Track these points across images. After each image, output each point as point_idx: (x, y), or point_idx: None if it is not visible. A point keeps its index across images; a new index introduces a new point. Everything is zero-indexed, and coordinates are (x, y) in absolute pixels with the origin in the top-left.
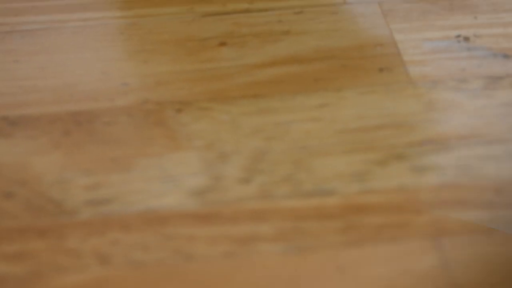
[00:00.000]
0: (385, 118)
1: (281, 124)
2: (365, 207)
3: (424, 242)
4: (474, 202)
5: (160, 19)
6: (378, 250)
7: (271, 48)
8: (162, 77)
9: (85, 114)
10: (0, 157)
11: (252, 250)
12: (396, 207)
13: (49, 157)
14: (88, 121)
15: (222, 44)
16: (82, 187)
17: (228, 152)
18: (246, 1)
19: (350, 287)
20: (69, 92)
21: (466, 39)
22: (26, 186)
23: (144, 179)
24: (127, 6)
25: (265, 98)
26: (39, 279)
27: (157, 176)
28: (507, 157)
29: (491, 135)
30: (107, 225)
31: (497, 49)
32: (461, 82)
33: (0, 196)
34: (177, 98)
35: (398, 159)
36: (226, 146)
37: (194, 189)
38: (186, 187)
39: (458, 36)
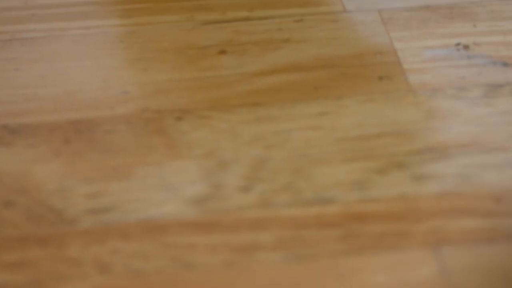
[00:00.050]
0: (385, 126)
1: (281, 132)
2: (365, 215)
3: (424, 251)
4: (474, 210)
5: (160, 27)
6: (378, 259)
7: (271, 56)
8: (162, 85)
9: (85, 123)
10: (0, 165)
11: (252, 258)
12: (396, 216)
13: (49, 165)
14: (88, 130)
15: (222, 52)
16: (82, 195)
17: (228, 161)
18: (246, 9)
19: None
20: (69, 100)
21: (466, 47)
22: (26, 195)
23: (144, 187)
24: (127, 14)
25: (264, 106)
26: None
27: (157, 185)
28: (507, 166)
29: (491, 143)
30: (107, 234)
31: (496, 57)
32: (461, 90)
33: (0, 205)
34: (177, 106)
35: (398, 168)
36: (225, 155)
37: (193, 198)
38: (186, 195)
39: (458, 44)
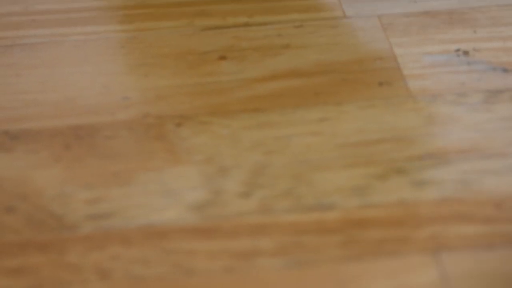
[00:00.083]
0: (385, 132)
1: (281, 138)
2: (365, 221)
3: (424, 257)
4: (474, 216)
5: (161, 32)
6: (378, 265)
7: (271, 62)
8: (163, 91)
9: (86, 128)
10: (1, 171)
11: (252, 264)
12: (396, 222)
13: (50, 171)
14: (89, 135)
15: (222, 58)
16: (82, 201)
17: (228, 166)
18: (246, 15)
19: None
20: (70, 106)
21: (466, 53)
22: (27, 201)
23: (145, 193)
24: (127, 20)
25: (265, 112)
26: None
27: (158, 190)
28: (507, 171)
29: (491, 149)
30: (108, 240)
31: (496, 63)
32: (461, 96)
33: (1, 211)
34: (178, 112)
35: (398, 173)
36: (226, 160)
37: (194, 203)
38: (186, 201)
39: (458, 50)
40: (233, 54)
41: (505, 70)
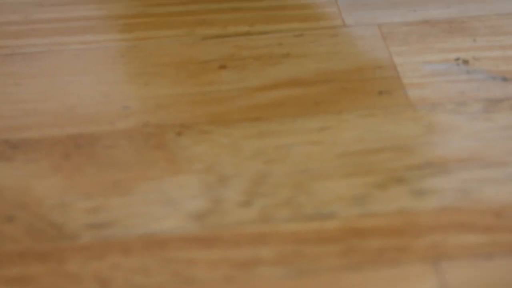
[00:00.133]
0: (385, 141)
1: (281, 147)
2: (365, 230)
3: (424, 266)
4: (474, 225)
5: (161, 41)
6: (378, 274)
7: (272, 71)
8: (163, 100)
9: (86, 137)
10: (1, 180)
11: (252, 273)
12: (396, 231)
13: (50, 180)
14: (89, 144)
15: (223, 67)
16: (82, 210)
17: (229, 175)
18: (247, 24)
19: None
20: (69, 115)
21: (465, 62)
22: (26, 210)
23: (145, 202)
24: (128, 29)
25: (265, 121)
26: None
27: (158, 200)
28: (506, 180)
29: (491, 158)
30: (108, 249)
31: (496, 72)
32: (460, 105)
33: (1, 220)
34: (178, 121)
35: (398, 183)
36: (226, 169)
37: (194, 213)
38: (186, 210)
39: (457, 59)
40: (233, 63)
41: (504, 79)
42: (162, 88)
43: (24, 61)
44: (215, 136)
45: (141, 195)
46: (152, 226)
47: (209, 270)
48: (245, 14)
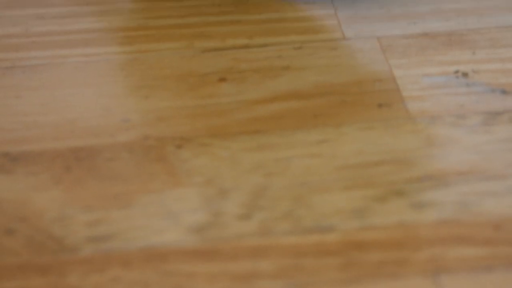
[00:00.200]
0: (384, 154)
1: (281, 160)
2: (365, 243)
3: (424, 279)
4: (474, 238)
5: (161, 54)
6: (378, 287)
7: (271, 83)
8: (163, 113)
9: (86, 150)
10: (1, 193)
11: (252, 287)
12: (395, 244)
13: (50, 193)
14: (89, 157)
15: (222, 79)
16: (83, 223)
17: (228, 188)
18: (246, 37)
19: None
20: (70, 128)
21: (465, 74)
22: (27, 223)
23: (145, 215)
24: (128, 42)
25: (265, 134)
26: None
27: (158, 212)
28: (506, 193)
29: (490, 171)
30: (108, 262)
31: (495, 84)
32: (460, 118)
33: (1, 233)
34: (178, 134)
35: (397, 195)
36: (226, 182)
37: (194, 226)
38: (186, 223)
39: (457, 71)
40: (233, 75)
41: (504, 92)
42: (163, 101)
43: (25, 73)
44: (215, 149)
45: (142, 208)
46: (152, 239)
47: (209, 283)
48: (244, 27)
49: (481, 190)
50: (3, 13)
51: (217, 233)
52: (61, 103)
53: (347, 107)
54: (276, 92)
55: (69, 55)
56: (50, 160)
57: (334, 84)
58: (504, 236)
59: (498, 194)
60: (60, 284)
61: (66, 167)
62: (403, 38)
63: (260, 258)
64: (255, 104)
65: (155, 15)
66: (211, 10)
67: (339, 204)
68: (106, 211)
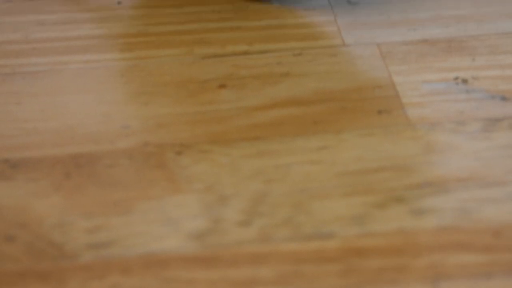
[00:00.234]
0: (384, 160)
1: (281, 167)
2: (365, 250)
3: (423, 285)
4: (473, 245)
5: (161, 61)
6: None
7: (271, 90)
8: (163, 119)
9: (86, 157)
10: (1, 199)
11: None
12: (395, 250)
13: (50, 199)
14: (89, 164)
15: (222, 86)
16: (83, 230)
17: (228, 195)
18: (245, 43)
19: None
20: (70, 134)
21: (464, 81)
22: (27, 229)
23: (145, 222)
24: (128, 48)
25: (265, 140)
26: None
27: (158, 219)
28: (506, 200)
29: (490, 177)
30: (108, 269)
31: (495, 91)
32: (460, 124)
33: (1, 239)
34: (178, 140)
35: (397, 202)
36: (226, 189)
37: (194, 232)
38: (186, 230)
39: (456, 78)
40: (233, 82)
41: (503, 98)
42: (162, 108)
43: (25, 80)
44: (215, 155)
45: (141, 214)
46: (152, 246)
47: None
48: (244, 33)
49: (481, 196)
50: (3, 19)
51: (217, 240)
52: (61, 109)
53: (347, 113)
54: (276, 98)
55: (69, 62)
56: (50, 166)
57: (334, 91)
58: (504, 243)
59: (498, 201)
60: None
61: (66, 173)
62: (403, 44)
63: (260, 264)
64: (255, 111)
65: (155, 22)
66: (211, 16)
67: (339, 211)
68: (106, 217)
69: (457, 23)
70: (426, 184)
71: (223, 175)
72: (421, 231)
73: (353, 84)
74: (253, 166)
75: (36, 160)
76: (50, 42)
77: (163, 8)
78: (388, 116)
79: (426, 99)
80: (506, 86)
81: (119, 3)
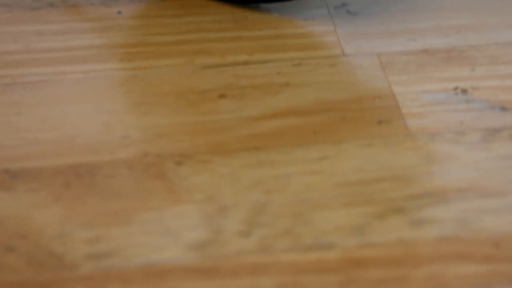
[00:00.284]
0: (384, 171)
1: (280, 177)
2: (365, 260)
3: None
4: (473, 255)
5: (161, 71)
6: None
7: (271, 100)
8: (163, 130)
9: (86, 167)
10: (1, 210)
11: None
12: (395, 261)
13: (50, 210)
14: (89, 174)
15: (222, 96)
16: (82, 240)
17: (228, 205)
18: (245, 53)
19: None
20: (69, 144)
21: (464, 91)
22: (27, 240)
23: (145, 232)
24: (127, 58)
25: (265, 150)
26: None
27: (157, 230)
28: (505, 210)
29: (490, 188)
30: (108, 279)
31: (494, 101)
32: (459, 134)
33: (1, 250)
34: (178, 150)
35: (397, 212)
36: (226, 199)
37: (194, 243)
38: (186, 240)
39: (456, 88)
40: (232, 92)
41: (503, 109)
42: (162, 118)
43: (25, 90)
44: (215, 165)
45: (141, 225)
46: (152, 256)
47: None
48: (244, 43)
49: (481, 207)
50: (4, 29)
51: (217, 250)
52: (61, 119)
53: (346, 123)
54: (275, 108)
55: (69, 72)
56: (50, 176)
57: (334, 101)
58: (504, 253)
59: (498, 211)
60: None
61: (66, 184)
62: (403, 54)
63: (260, 275)
64: (255, 121)
65: (155, 32)
66: (210, 26)
67: (338, 221)
68: (106, 228)
69: (457, 33)
70: (426, 194)
71: (223, 185)
72: (421, 241)
73: (353, 94)
74: (253, 176)
75: (36, 171)
76: (50, 52)
77: (163, 18)
78: (388, 126)
79: (426, 109)
80: (505, 96)
81: (119, 13)
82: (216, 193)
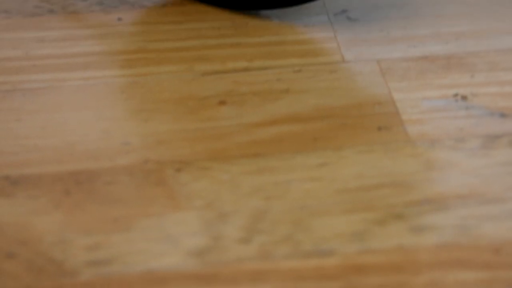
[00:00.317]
0: (383, 177)
1: (280, 184)
2: (365, 267)
3: None
4: (473, 262)
5: (161, 77)
6: None
7: (271, 106)
8: (163, 136)
9: (86, 174)
10: (1, 217)
11: None
12: (395, 267)
13: (50, 217)
14: (89, 181)
15: (222, 102)
16: (82, 247)
17: (228, 212)
18: (245, 60)
19: None
20: (69, 151)
21: (464, 97)
22: (27, 246)
23: (145, 239)
24: (128, 65)
25: (264, 157)
26: None
27: (157, 236)
28: (506, 217)
29: (489, 194)
30: (108, 286)
31: (494, 108)
32: (459, 141)
33: (1, 256)
34: (178, 157)
35: (397, 219)
36: (225, 206)
37: (194, 249)
38: (186, 247)
39: (456, 94)
40: (232, 98)
41: (502, 115)
42: (162, 124)
43: (25, 97)
44: (215, 172)
45: (141, 231)
46: (152, 263)
47: None
48: (244, 50)
49: (481, 213)
50: (3, 36)
51: (217, 257)
52: (61, 126)
53: (346, 130)
54: (275, 115)
55: (69, 78)
56: (50, 183)
57: (334, 107)
58: (503, 260)
59: (497, 218)
60: None
61: (66, 190)
62: (403, 61)
63: (260, 282)
64: (254, 127)
65: (155, 38)
66: (210, 33)
67: (338, 228)
68: (106, 235)
69: (457, 40)
70: (426, 201)
71: (223, 192)
72: (421, 248)
73: (353, 101)
74: (253, 183)
75: (36, 177)
76: (50, 58)
77: (163, 25)
78: (388, 132)
79: (425, 115)
80: (505, 103)
81: (119, 19)
82: (216, 200)
